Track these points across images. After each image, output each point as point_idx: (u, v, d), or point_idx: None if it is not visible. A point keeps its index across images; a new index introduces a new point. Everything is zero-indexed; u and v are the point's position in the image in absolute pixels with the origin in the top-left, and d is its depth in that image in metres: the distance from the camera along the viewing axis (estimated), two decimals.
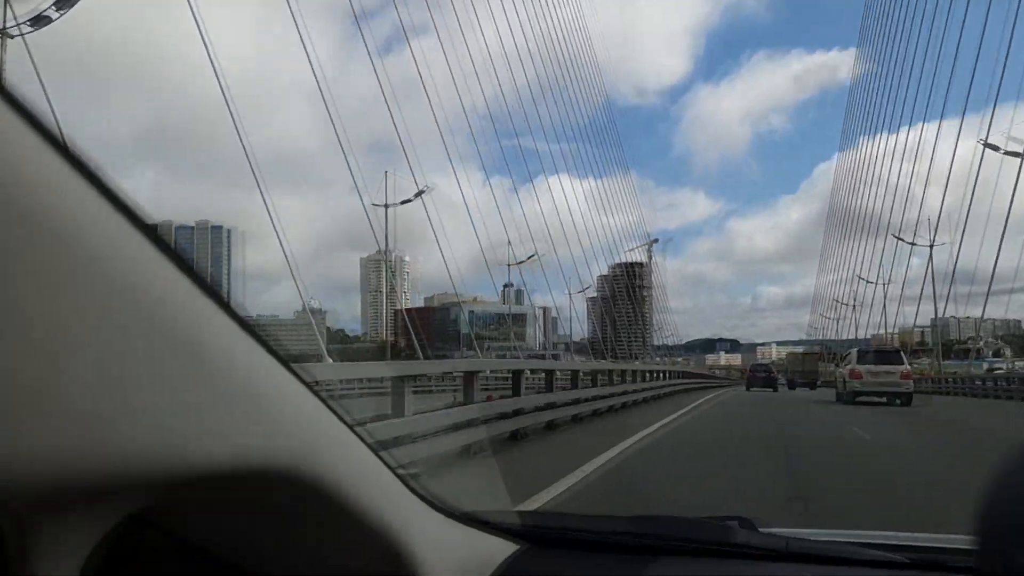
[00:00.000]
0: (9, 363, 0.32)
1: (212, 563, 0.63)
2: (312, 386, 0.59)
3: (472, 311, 73.91)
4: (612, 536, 1.06)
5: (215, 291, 0.46)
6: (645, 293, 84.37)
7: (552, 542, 1.04)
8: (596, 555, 1.03)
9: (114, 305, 0.37)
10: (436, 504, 0.84)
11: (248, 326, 0.50)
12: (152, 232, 0.41)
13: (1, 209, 0.32)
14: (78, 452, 0.35)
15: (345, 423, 0.65)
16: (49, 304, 0.34)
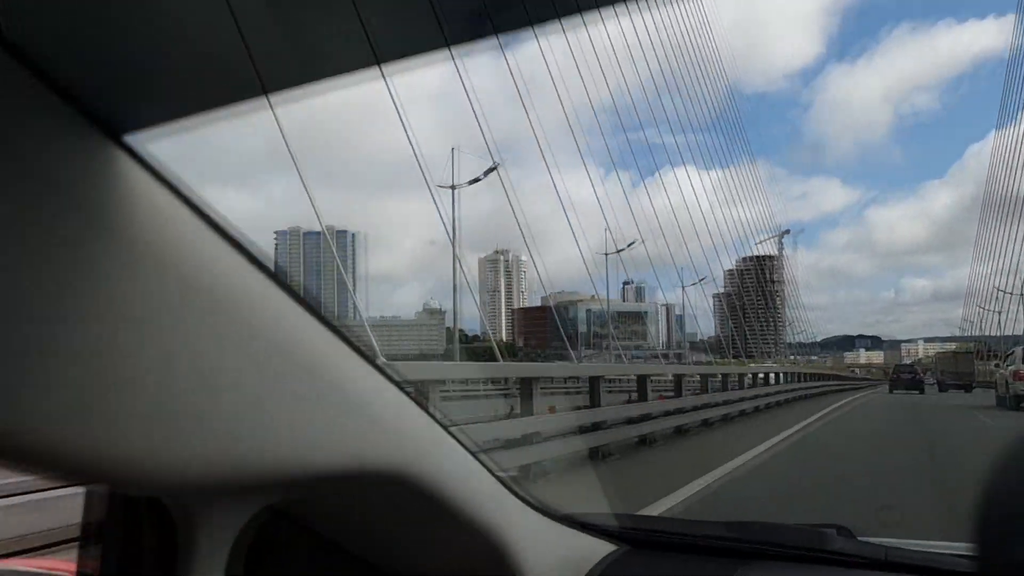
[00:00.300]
0: (180, 389, 0.42)
1: (341, 555, 0.72)
2: (416, 397, 0.67)
3: (590, 309, 73.49)
4: (707, 540, 1.06)
5: (329, 322, 0.55)
6: (776, 288, 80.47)
7: (647, 544, 1.05)
8: (691, 558, 1.03)
9: (251, 343, 0.48)
10: (535, 505, 0.88)
11: (357, 348, 0.58)
12: (278, 278, 0.50)
13: (162, 272, 0.41)
14: (227, 456, 0.46)
15: (447, 430, 0.71)
16: (204, 343, 0.44)
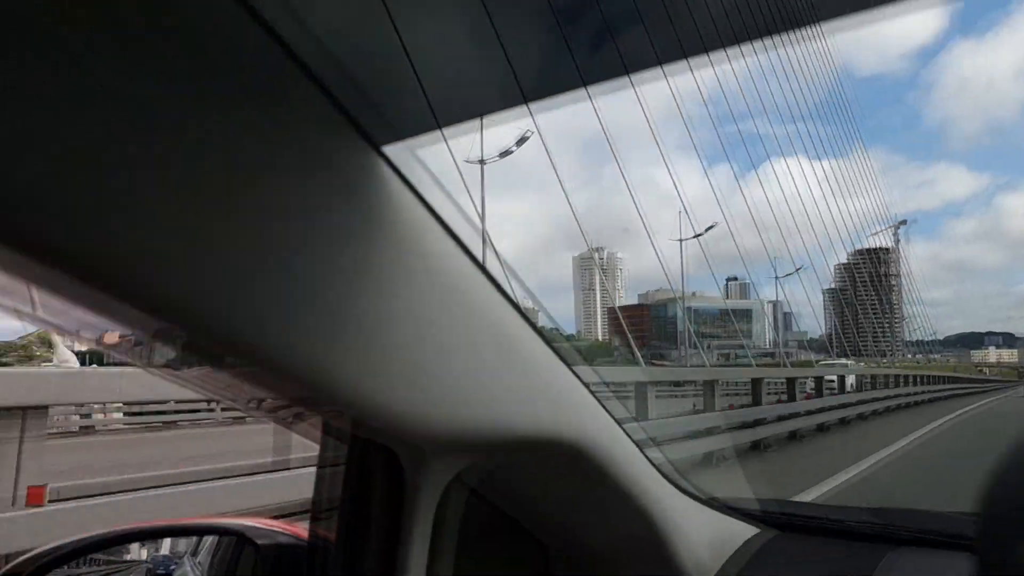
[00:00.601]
0: (427, 363, 0.52)
1: (514, 531, 0.81)
2: (586, 384, 0.74)
3: (691, 307, 71.67)
4: (852, 524, 1.07)
5: (523, 312, 0.64)
6: (892, 282, 75.47)
7: (791, 527, 1.06)
8: (836, 542, 1.03)
9: (475, 329, 0.58)
10: (683, 488, 0.92)
11: (543, 335, 0.67)
12: (491, 276, 0.60)
13: (428, 278, 0.52)
14: (451, 418, 0.56)
15: (612, 416, 0.78)
16: (442, 329, 0.53)
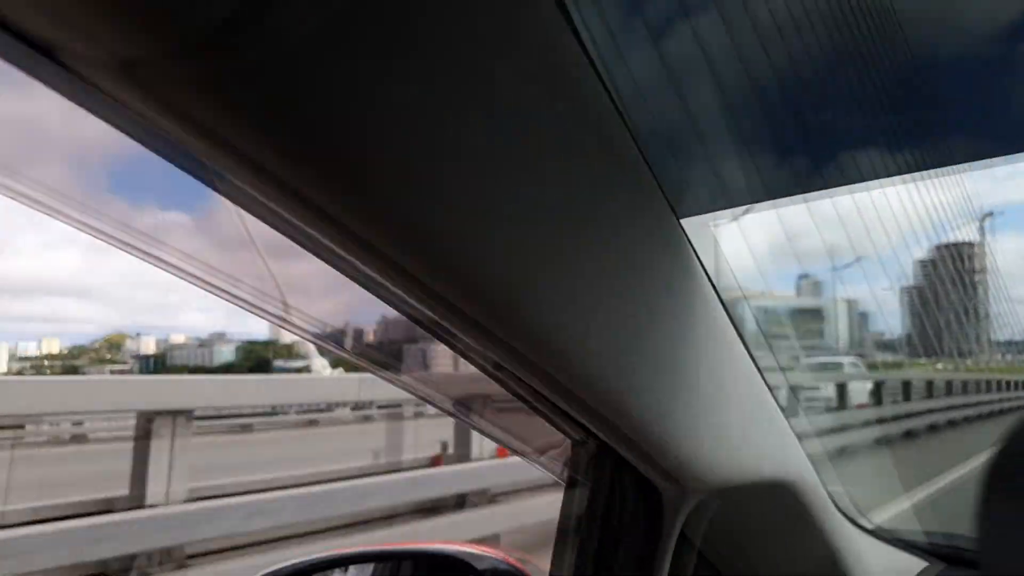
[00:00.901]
0: (698, 404, 0.59)
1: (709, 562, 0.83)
2: (787, 418, 0.77)
3: (760, 306, 68.81)
4: None
5: (760, 367, 0.69)
6: (978, 278, 70.31)
7: (960, 561, 1.02)
8: None
9: (727, 381, 0.63)
10: (854, 519, 0.94)
11: (768, 384, 0.71)
12: (745, 343, 0.65)
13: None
14: (707, 458, 0.62)
15: (806, 453, 0.80)
16: (714, 384, 0.61)
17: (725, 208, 0.65)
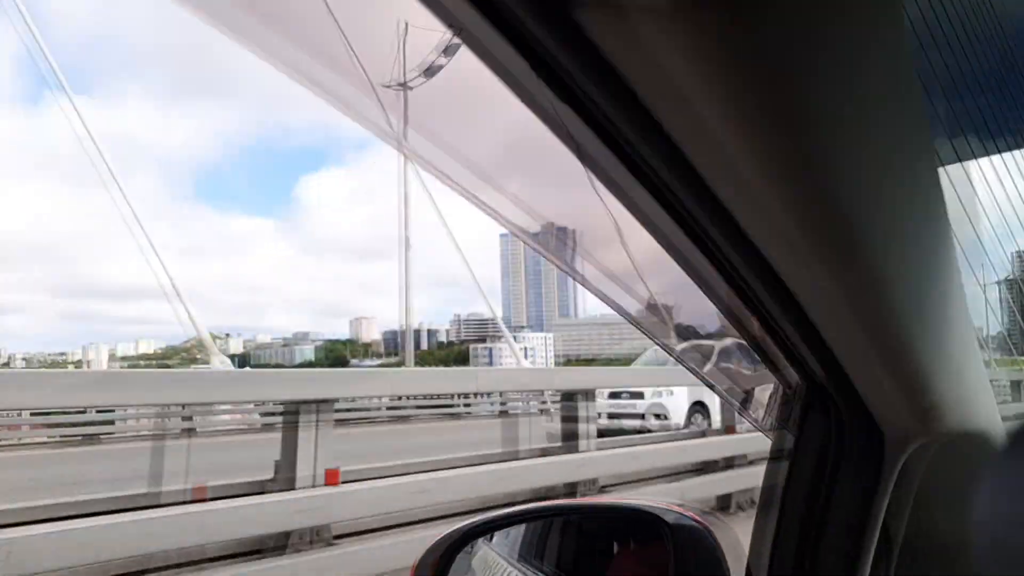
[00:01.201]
0: (930, 358, 0.61)
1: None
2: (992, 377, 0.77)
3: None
4: None
5: (971, 322, 0.68)
6: None
7: None
8: None
9: (951, 329, 0.63)
10: None
11: (979, 338, 0.72)
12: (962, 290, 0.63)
13: None
14: (930, 405, 0.64)
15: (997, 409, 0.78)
16: (935, 320, 0.60)
17: (983, 156, 0.68)
